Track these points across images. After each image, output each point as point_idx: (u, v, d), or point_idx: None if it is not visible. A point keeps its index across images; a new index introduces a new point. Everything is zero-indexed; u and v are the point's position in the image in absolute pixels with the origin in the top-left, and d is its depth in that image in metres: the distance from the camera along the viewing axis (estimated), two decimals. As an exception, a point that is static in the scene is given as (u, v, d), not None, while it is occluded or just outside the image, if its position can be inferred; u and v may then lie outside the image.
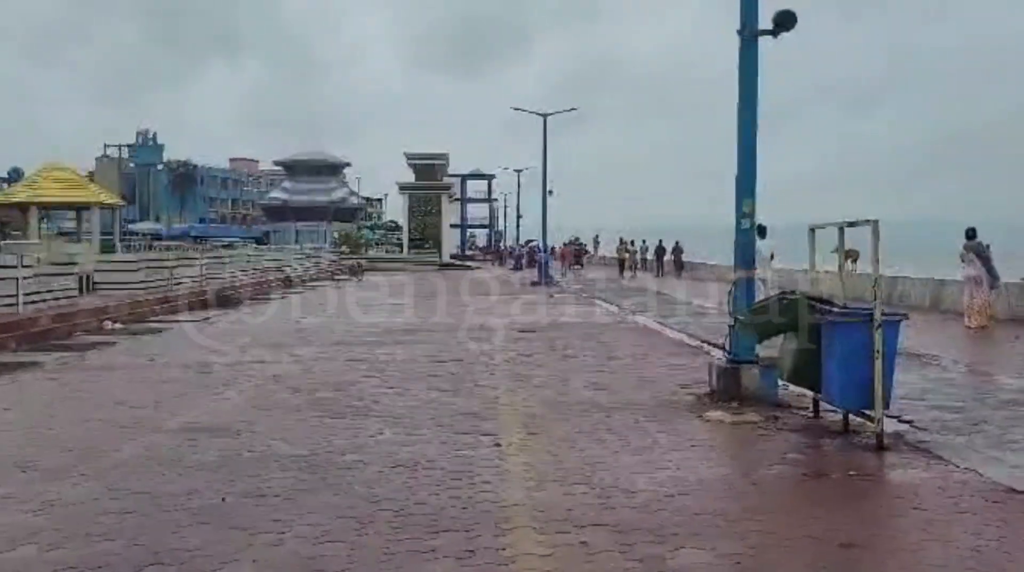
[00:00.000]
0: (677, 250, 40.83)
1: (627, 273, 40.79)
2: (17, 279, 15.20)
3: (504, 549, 4.33)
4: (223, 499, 5.21)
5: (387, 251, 62.97)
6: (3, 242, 27.62)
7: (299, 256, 41.08)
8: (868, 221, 6.74)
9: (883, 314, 6.51)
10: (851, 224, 7.23)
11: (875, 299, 6.52)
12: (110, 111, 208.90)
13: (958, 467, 5.86)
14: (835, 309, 7.12)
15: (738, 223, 8.77)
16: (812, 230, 8.06)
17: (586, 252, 62.06)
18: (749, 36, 8.61)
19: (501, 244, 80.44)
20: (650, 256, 43.81)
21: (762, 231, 19.29)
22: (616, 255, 45.01)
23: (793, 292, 7.88)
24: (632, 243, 45.28)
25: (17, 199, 27.03)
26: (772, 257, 16.21)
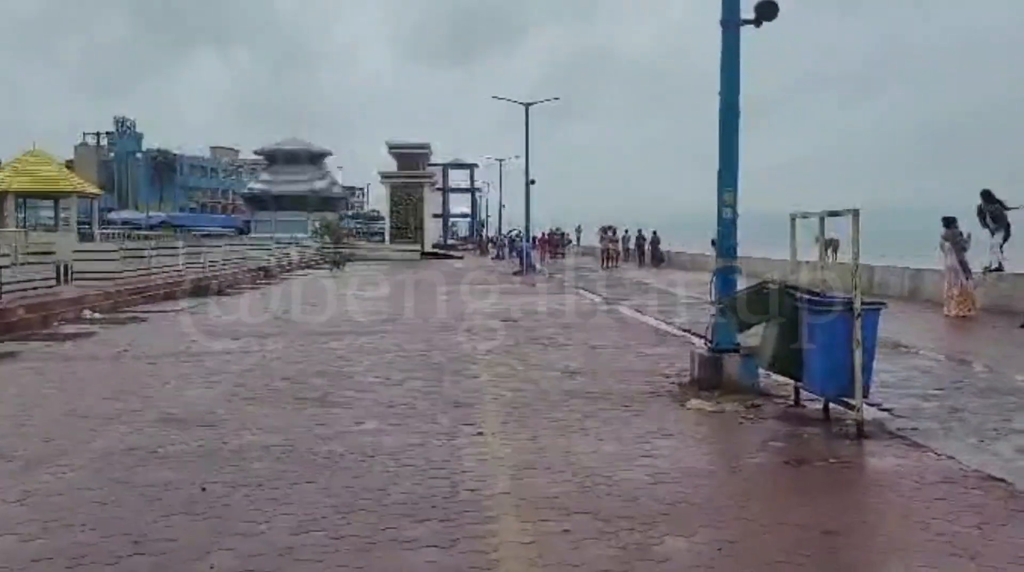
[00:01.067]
0: (654, 241, 40.25)
1: (608, 263, 39.38)
2: (-6, 268, 15.05)
3: (487, 537, 4.34)
4: (202, 489, 5.17)
5: (369, 241, 62.73)
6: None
7: (279, 246, 40.83)
8: (849, 210, 6.77)
9: (863, 303, 6.56)
10: (832, 213, 7.26)
11: (855, 288, 6.56)
12: (94, 100, 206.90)
13: (937, 455, 5.92)
14: (815, 298, 7.16)
15: (720, 213, 8.79)
16: (793, 219, 8.09)
17: (568, 242, 62.11)
18: (731, 26, 8.62)
19: (483, 234, 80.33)
20: (631, 246, 43.40)
21: None
22: (599, 245, 42.85)
23: (774, 281, 7.91)
24: (614, 232, 42.94)
25: (-7, 187, 26.65)
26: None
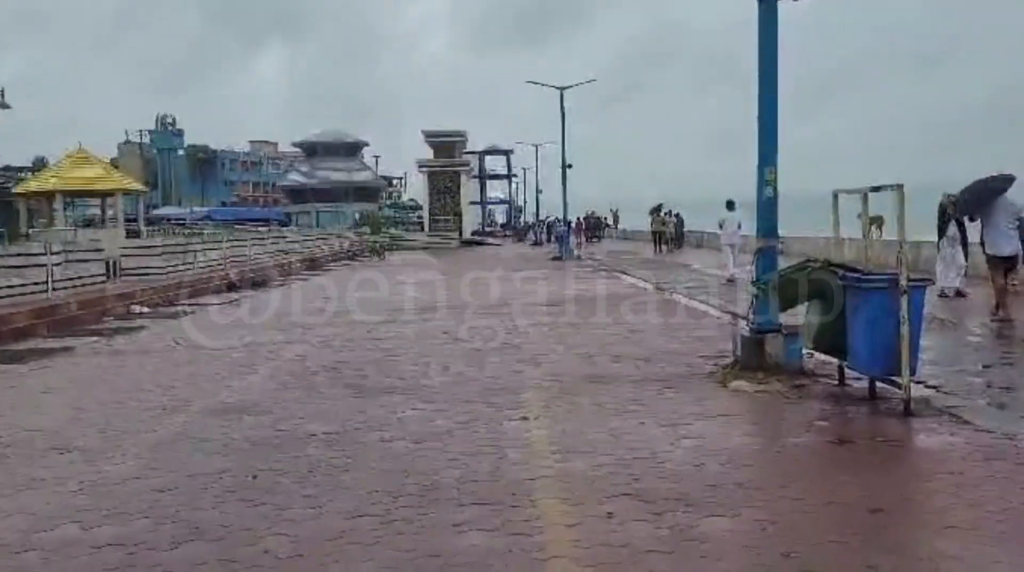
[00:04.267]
0: (678, 223, 38.17)
1: (662, 247, 35.94)
2: (47, 266, 15.45)
3: (532, 520, 4.38)
4: (254, 476, 5.30)
5: (408, 230, 63.12)
6: (32, 230, 27.99)
7: (321, 237, 41.27)
8: (893, 186, 6.67)
9: (909, 279, 6.46)
10: (875, 189, 7.15)
11: (901, 264, 6.47)
12: (150, 95, 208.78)
13: (987, 431, 5.83)
14: (860, 276, 7.07)
15: (760, 192, 8.69)
16: (835, 195, 7.98)
17: (606, 225, 61.81)
18: (767, 0, 8.49)
19: (520, 220, 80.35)
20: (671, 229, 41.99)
21: (730, 205, 21.13)
22: (651, 228, 38.59)
23: (816, 259, 7.83)
24: (670, 213, 38.30)
25: (43, 187, 27.33)
26: (740, 226, 20.31)
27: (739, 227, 20.52)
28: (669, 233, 37.26)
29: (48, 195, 27.38)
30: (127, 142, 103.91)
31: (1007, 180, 11.70)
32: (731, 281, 19.12)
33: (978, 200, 11.79)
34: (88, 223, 35.98)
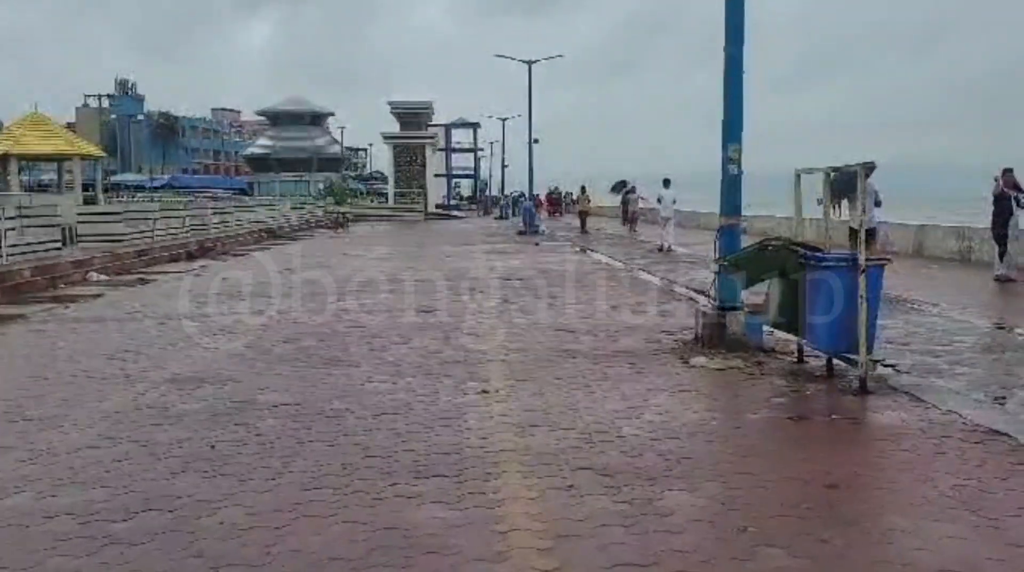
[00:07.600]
0: (627, 199, 35.25)
1: (588, 226, 33.47)
2: (0, 231, 15.06)
3: (492, 493, 4.39)
4: (212, 446, 5.23)
5: (372, 202, 62.61)
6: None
7: (283, 207, 40.76)
8: (854, 166, 6.72)
9: (867, 259, 6.54)
10: (836, 169, 7.22)
11: (859, 245, 6.54)
12: (100, 62, 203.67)
13: (940, 409, 5.95)
14: (819, 255, 7.14)
15: (724, 169, 8.72)
16: (798, 175, 8.03)
17: (572, 201, 61.87)
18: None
19: (487, 194, 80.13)
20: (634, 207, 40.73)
21: (666, 182, 23.26)
22: (579, 207, 36.30)
23: (778, 238, 7.89)
24: (633, 190, 35.08)
25: (-5, 150, 26.58)
26: (675, 202, 22.84)
27: (673, 202, 22.83)
28: (634, 210, 34.48)
29: (1, 159, 26.66)
30: (85, 106, 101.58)
31: (869, 167, 12.36)
32: (660, 250, 21.57)
33: (845, 183, 12.33)
34: (42, 186, 35.16)
